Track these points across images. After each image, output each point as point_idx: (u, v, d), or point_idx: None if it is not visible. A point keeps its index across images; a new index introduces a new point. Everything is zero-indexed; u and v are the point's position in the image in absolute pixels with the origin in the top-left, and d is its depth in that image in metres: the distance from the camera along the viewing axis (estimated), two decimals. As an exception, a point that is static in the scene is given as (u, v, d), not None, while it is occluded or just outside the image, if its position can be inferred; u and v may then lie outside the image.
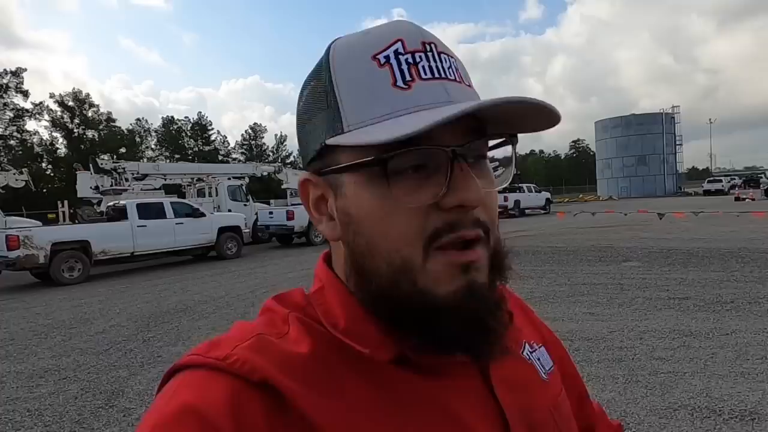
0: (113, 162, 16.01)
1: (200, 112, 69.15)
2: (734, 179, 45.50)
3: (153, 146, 61.66)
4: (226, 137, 70.22)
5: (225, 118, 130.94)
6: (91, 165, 14.98)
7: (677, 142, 54.15)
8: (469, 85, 0.45)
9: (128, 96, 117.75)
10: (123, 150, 53.71)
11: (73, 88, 60.58)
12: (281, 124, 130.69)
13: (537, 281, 7.01)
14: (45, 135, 49.89)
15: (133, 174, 15.17)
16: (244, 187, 16.75)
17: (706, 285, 6.18)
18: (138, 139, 58.90)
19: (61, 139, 50.84)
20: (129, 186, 14.85)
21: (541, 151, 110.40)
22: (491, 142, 0.45)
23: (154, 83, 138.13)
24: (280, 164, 22.79)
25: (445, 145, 0.41)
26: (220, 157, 63.87)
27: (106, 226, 10.93)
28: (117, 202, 11.86)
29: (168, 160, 59.50)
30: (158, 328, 5.68)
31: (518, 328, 0.57)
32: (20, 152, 45.94)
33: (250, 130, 70.35)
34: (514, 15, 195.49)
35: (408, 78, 0.42)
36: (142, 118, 62.23)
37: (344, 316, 0.46)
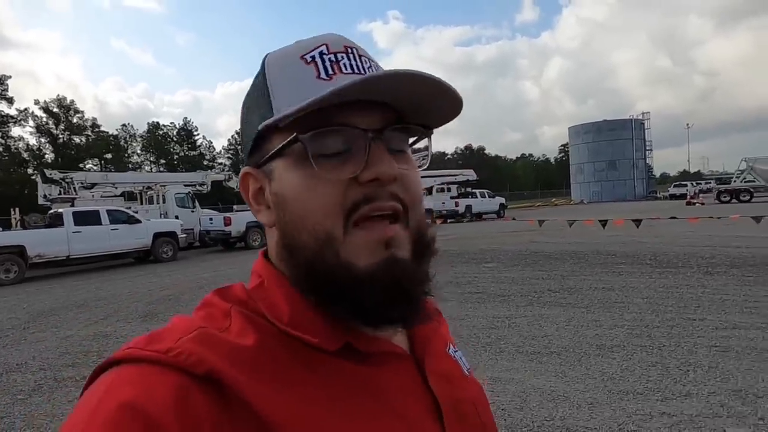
0: (60, 172, 17.17)
1: (186, 118, 70.08)
2: (701, 183, 46.71)
3: (139, 151, 62.76)
4: (211, 142, 71.30)
5: (220, 121, 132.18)
6: (39, 175, 16.17)
7: (647, 148, 55.75)
8: None
9: (122, 99, 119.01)
10: (109, 156, 54.77)
11: (58, 95, 61.78)
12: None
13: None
14: (32, 141, 50.94)
15: (81, 183, 16.35)
16: (191, 195, 17.89)
17: (525, 283, 7.31)
18: (124, 144, 59.95)
19: (48, 146, 51.87)
20: (78, 195, 16.01)
21: (531, 155, 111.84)
22: (411, 140, 0.51)
23: (148, 85, 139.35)
24: (230, 172, 23.96)
25: (360, 128, 0.45)
26: (206, 162, 65.03)
27: (43, 231, 12.07)
28: (56, 210, 13.04)
29: (153, 166, 60.70)
30: (44, 322, 6.79)
31: (440, 327, 0.61)
32: (5, 157, 46.93)
33: (236, 135, 71.60)
34: (511, 17, 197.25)
35: (330, 72, 0.47)
36: (128, 124, 63.25)
37: (289, 308, 0.47)
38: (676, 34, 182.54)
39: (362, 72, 0.48)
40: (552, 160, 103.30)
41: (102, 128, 56.62)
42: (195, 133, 66.66)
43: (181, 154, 64.41)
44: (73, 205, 14.41)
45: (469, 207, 25.64)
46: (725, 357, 3.83)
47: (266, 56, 0.52)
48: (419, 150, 0.53)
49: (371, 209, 0.45)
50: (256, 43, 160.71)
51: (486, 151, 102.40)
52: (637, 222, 10.59)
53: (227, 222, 15.38)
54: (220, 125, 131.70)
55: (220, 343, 0.43)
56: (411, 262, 0.47)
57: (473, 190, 27.24)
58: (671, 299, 5.71)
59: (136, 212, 14.57)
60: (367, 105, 0.46)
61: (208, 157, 67.86)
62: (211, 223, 16.00)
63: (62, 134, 52.60)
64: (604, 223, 10.69)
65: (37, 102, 56.30)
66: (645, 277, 7.11)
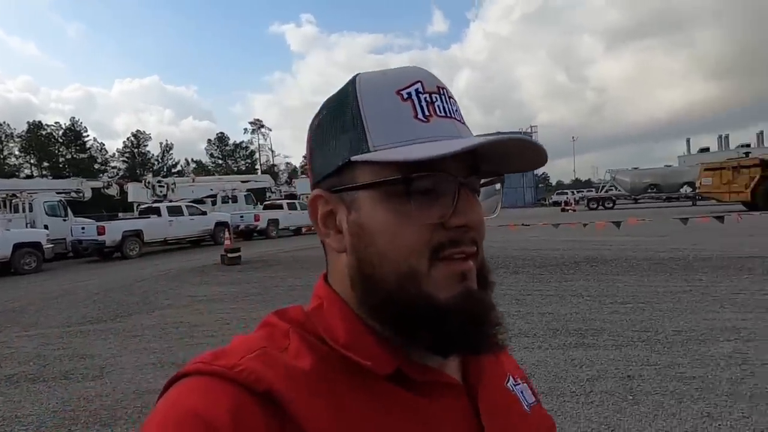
0: None
1: (73, 118, 64.56)
2: (582, 191, 51.63)
3: (17, 153, 57.31)
4: (103, 144, 66.54)
5: (118, 120, 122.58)
6: None
7: (535, 158, 60.53)
8: (467, 128, 0.51)
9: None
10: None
11: None
12: (183, 128, 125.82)
13: (247, 283, 8.66)
14: None
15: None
16: (63, 203, 17.08)
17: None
18: (-2, 145, 54.47)
19: None
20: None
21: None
22: (483, 180, 0.53)
23: (32, 78, 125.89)
24: (109, 179, 23.09)
25: (452, 174, 0.47)
26: (97, 166, 60.81)
27: None
28: None
29: (34, 169, 55.62)
30: None
31: (502, 360, 0.61)
32: None
33: (132, 138, 67.73)
34: (422, 28, 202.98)
35: (427, 113, 0.48)
36: (3, 123, 57.52)
37: (345, 330, 0.49)
38: (572, 53, 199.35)
39: (451, 115, 0.50)
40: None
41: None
42: (85, 134, 62.17)
43: (68, 156, 59.72)
44: None
45: (274, 221, 21.09)
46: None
47: (356, 80, 0.51)
48: (494, 193, 0.56)
49: (455, 252, 0.47)
50: (160, 42, 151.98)
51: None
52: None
53: (101, 231, 14.93)
54: (117, 125, 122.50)
55: (279, 363, 0.45)
56: (481, 290, 0.50)
57: (282, 201, 23.42)
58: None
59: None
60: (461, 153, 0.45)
61: (99, 160, 63.53)
62: (83, 232, 15.41)
63: None
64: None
65: None
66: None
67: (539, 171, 64.73)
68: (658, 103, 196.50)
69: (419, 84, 0.49)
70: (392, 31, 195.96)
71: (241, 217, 20.69)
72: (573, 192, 48.56)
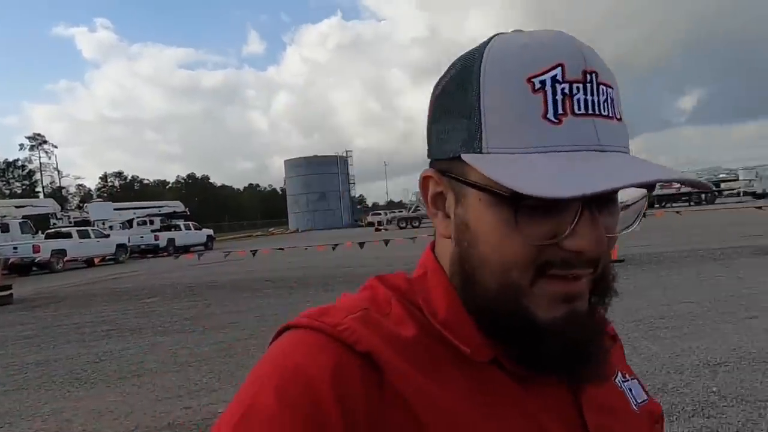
0: None
1: None
2: (395, 212, 55.64)
3: None
4: None
5: None
6: None
7: (351, 182, 64.10)
8: (620, 119, 0.43)
9: None
10: None
11: None
12: None
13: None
14: None
15: None
16: None
17: (159, 315, 7.58)
18: None
19: None
20: None
21: (258, 185, 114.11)
22: (623, 198, 0.45)
23: None
24: None
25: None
26: None
27: None
28: None
29: None
30: None
31: (612, 353, 0.54)
32: None
33: None
34: (237, 47, 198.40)
35: (560, 111, 0.39)
36: None
37: (445, 307, 0.47)
38: (384, 83, 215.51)
39: (595, 111, 0.40)
40: (279, 190, 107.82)
41: None
42: None
43: None
44: None
45: (171, 240, 24.68)
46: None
47: (488, 48, 0.43)
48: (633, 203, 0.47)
49: (567, 275, 0.42)
50: None
51: (211, 180, 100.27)
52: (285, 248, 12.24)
53: None
54: None
55: (381, 326, 0.45)
56: (588, 315, 0.44)
57: (176, 222, 26.53)
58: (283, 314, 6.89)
59: None
60: None
61: None
62: None
63: None
64: (254, 252, 12.12)
65: None
66: (279, 298, 8.35)
67: (356, 193, 68.35)
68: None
69: (559, 69, 0.40)
70: (204, 47, 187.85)
71: (15, 248, 17.82)
72: (386, 213, 52.11)
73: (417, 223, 39.16)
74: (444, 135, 0.46)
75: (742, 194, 40.78)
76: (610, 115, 0.41)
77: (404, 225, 39.15)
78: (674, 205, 37.70)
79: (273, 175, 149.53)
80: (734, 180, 45.15)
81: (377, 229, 37.99)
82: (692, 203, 37.31)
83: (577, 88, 0.40)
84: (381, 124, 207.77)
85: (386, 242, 12.14)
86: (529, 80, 0.40)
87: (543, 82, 0.40)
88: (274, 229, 57.64)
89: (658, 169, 0.39)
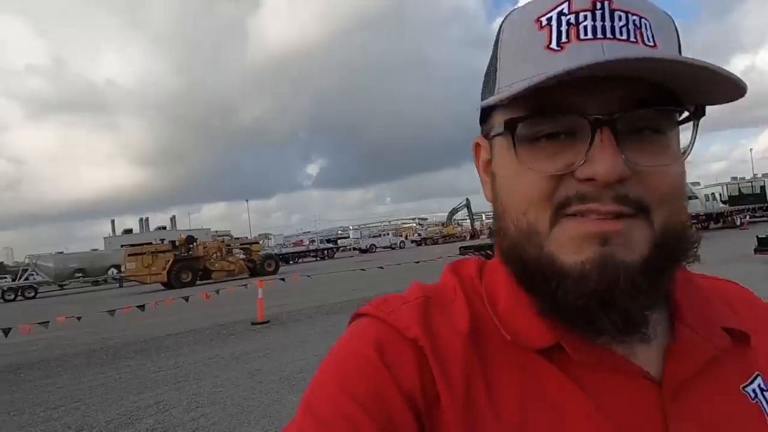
0: None
1: None
2: (6, 278, 43.93)
3: None
4: None
5: None
6: None
7: None
8: (653, 46, 0.39)
9: None
10: None
11: None
12: None
13: None
14: None
15: None
16: None
17: None
18: None
19: None
20: None
21: None
22: (683, 116, 0.42)
23: None
24: None
25: (588, 113, 0.38)
26: None
27: None
28: None
29: None
30: None
31: (751, 351, 0.46)
32: None
33: None
34: None
35: (564, 40, 0.39)
36: None
37: (504, 297, 0.47)
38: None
39: (607, 35, 0.38)
40: None
41: None
42: None
43: None
44: None
45: None
46: None
47: (512, 10, 0.46)
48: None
49: (583, 210, 0.39)
50: None
51: None
52: None
53: None
54: None
55: (435, 315, 0.46)
56: (639, 266, 0.39)
57: None
58: None
59: None
60: (601, 81, 0.37)
61: None
62: None
63: None
64: None
65: None
66: None
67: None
68: (83, 183, 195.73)
69: (566, 3, 0.40)
70: None
71: None
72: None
73: (32, 293, 32.21)
74: (482, 89, 0.47)
75: (352, 249, 50.64)
76: (632, 39, 0.38)
77: (12, 296, 31.58)
78: (304, 260, 43.63)
79: None
80: (347, 237, 55.80)
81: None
82: (319, 258, 44.01)
83: (585, 16, 0.39)
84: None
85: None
86: (537, 20, 0.41)
87: (549, 19, 0.40)
88: None
89: (650, 52, 0.37)
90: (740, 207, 29.13)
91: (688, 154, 0.43)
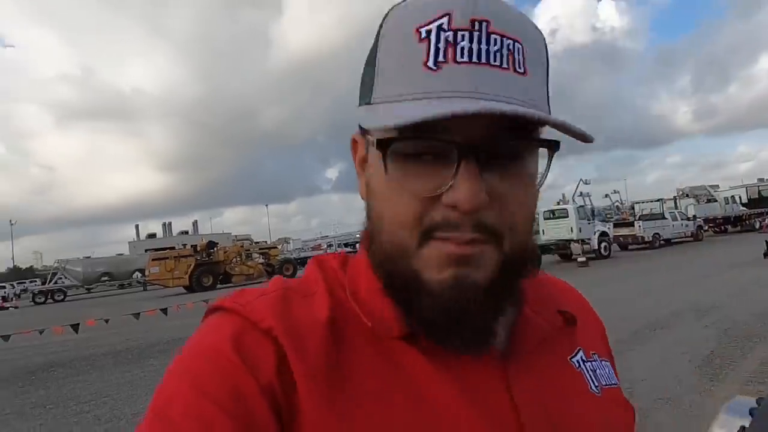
0: None
1: None
2: (25, 283, 45.41)
3: None
4: None
5: None
6: None
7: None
8: (523, 73, 0.42)
9: None
10: None
11: None
12: None
13: None
14: None
15: None
16: None
17: None
18: None
19: None
20: None
21: None
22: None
23: None
24: None
25: (455, 139, 0.39)
26: None
27: None
28: None
29: None
30: None
31: (579, 331, 0.55)
32: None
33: None
34: None
35: (440, 59, 0.40)
36: None
37: (365, 287, 0.48)
38: (12, 121, 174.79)
39: (482, 60, 0.39)
40: None
41: None
42: None
43: None
44: None
45: None
46: None
47: (396, 5, 0.45)
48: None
49: (448, 236, 0.41)
50: None
51: None
52: None
53: None
54: None
55: (293, 306, 0.46)
56: (488, 285, 0.42)
57: None
58: None
59: None
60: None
61: None
62: None
63: None
64: None
65: None
66: None
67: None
68: (109, 188, 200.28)
69: (446, 17, 0.40)
70: None
71: None
72: (13, 285, 42.11)
73: (61, 296, 33.33)
74: (362, 87, 0.46)
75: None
76: (504, 65, 0.40)
77: (42, 299, 32.68)
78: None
79: None
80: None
81: (2, 307, 30.46)
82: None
83: (462, 36, 0.39)
84: (7, 171, 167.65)
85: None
86: (417, 30, 0.40)
87: (429, 32, 0.40)
88: None
89: (522, 109, 0.38)
90: (760, 210, 28.64)
91: (542, 183, 0.45)
